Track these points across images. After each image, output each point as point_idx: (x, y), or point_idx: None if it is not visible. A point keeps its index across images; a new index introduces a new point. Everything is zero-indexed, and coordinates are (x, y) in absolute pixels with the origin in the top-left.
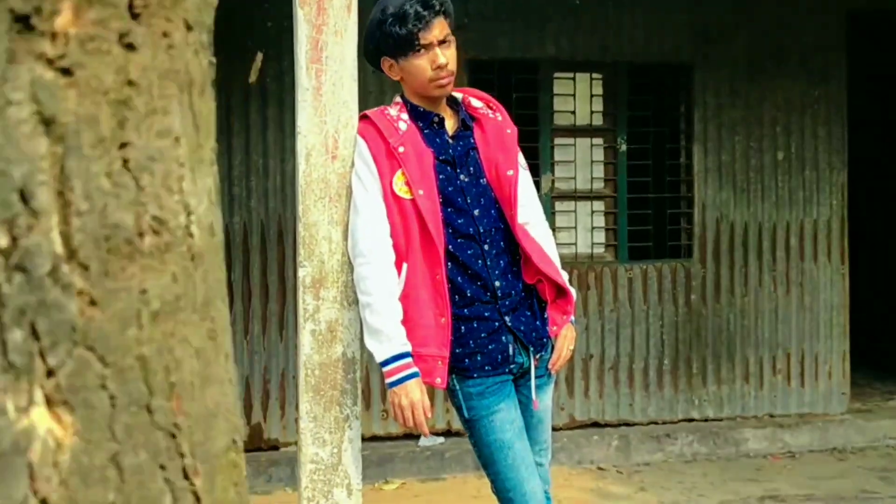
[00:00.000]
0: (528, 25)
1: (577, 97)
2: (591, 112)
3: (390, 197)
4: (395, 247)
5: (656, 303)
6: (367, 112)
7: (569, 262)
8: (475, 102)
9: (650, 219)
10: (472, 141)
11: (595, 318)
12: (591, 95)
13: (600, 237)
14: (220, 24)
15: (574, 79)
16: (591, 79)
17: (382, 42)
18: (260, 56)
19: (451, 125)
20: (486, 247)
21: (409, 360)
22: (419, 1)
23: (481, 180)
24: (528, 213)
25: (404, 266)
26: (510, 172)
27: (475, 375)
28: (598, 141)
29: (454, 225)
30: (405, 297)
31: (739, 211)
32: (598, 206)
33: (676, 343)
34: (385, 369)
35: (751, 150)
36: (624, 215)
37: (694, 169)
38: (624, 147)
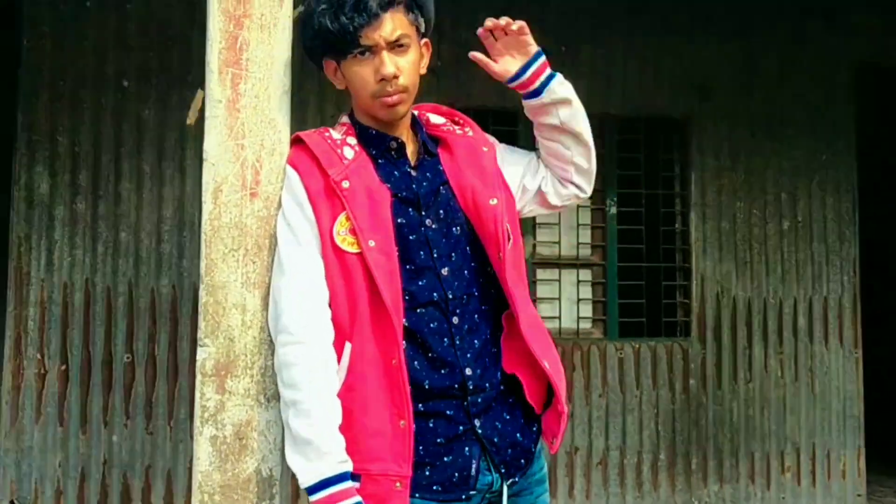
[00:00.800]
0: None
1: None
2: None
3: (329, 250)
4: (336, 320)
5: (650, 388)
6: (301, 134)
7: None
8: (435, 119)
9: (643, 291)
10: (441, 170)
11: (581, 404)
12: None
13: (587, 310)
14: (154, 58)
15: None
16: None
17: (317, 41)
18: (200, 94)
19: (412, 152)
20: (455, 319)
21: (349, 484)
22: None
23: (454, 228)
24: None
25: (347, 347)
26: (493, 201)
27: (416, 495)
28: (586, 202)
29: (412, 289)
30: (347, 391)
31: (742, 285)
32: (585, 275)
33: (673, 435)
34: (314, 498)
35: (753, 217)
36: (614, 286)
37: (691, 237)
38: (614, 210)
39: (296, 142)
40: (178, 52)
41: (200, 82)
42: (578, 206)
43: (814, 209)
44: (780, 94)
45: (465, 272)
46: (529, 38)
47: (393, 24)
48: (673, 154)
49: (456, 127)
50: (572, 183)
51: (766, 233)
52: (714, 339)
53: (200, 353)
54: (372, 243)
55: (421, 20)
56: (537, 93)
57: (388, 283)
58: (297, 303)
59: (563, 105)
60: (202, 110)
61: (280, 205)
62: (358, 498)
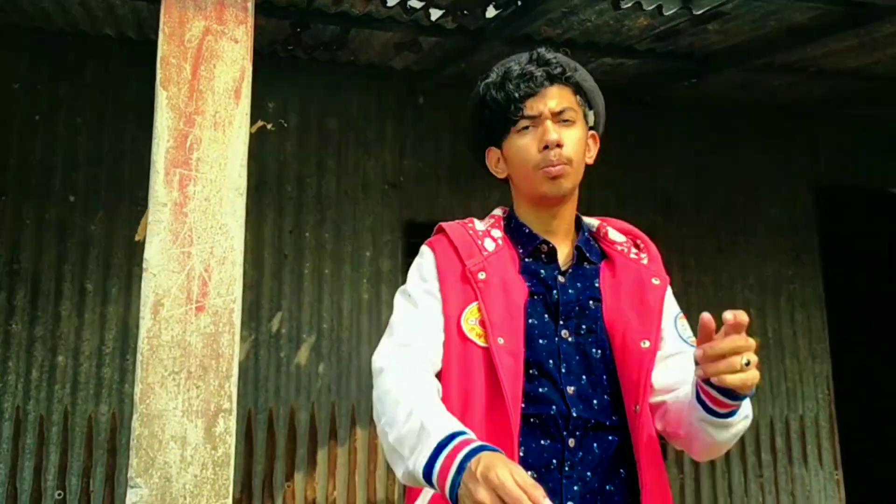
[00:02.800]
0: (469, 186)
1: None
2: None
3: (454, 334)
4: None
5: None
6: (444, 224)
7: None
8: (615, 235)
9: None
10: (596, 286)
11: None
12: None
13: None
14: (103, 171)
15: None
16: None
17: (482, 122)
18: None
19: (565, 257)
20: (571, 442)
21: (468, 436)
22: (531, 59)
23: (594, 350)
24: (676, 415)
25: None
26: (644, 343)
27: None
28: None
29: (530, 393)
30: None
31: None
32: None
33: None
34: (437, 466)
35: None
36: None
37: None
38: None
39: (438, 231)
40: (129, 165)
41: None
42: None
43: (783, 326)
44: (745, 211)
45: (596, 401)
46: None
47: (559, 97)
48: None
49: (634, 250)
50: (677, 443)
51: None
52: (691, 464)
53: (130, 496)
54: (501, 341)
55: (589, 111)
56: (727, 415)
57: (511, 382)
58: (397, 353)
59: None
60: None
61: (405, 283)
62: (481, 443)
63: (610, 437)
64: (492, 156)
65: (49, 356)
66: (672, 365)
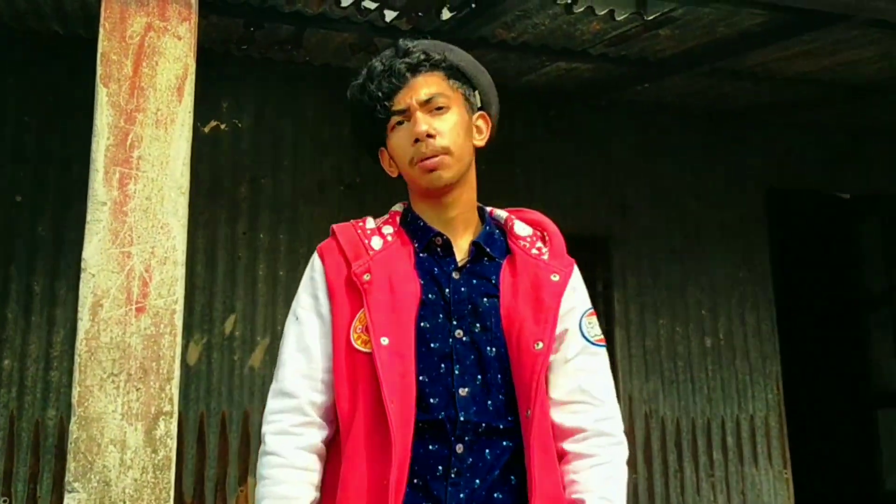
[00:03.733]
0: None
1: None
2: None
3: (343, 350)
4: (342, 427)
5: None
6: (335, 226)
7: None
8: (520, 228)
9: None
10: (494, 283)
11: None
12: None
13: None
14: (52, 170)
15: None
16: None
17: (360, 126)
18: None
19: (462, 251)
20: (459, 448)
21: None
22: (394, 52)
23: (489, 348)
24: (598, 420)
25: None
26: (538, 346)
27: None
28: None
29: (420, 399)
30: None
31: (669, 405)
32: None
33: None
34: None
35: (676, 335)
36: None
37: (616, 355)
38: None
39: (331, 234)
40: (78, 166)
41: None
42: None
43: (734, 327)
44: (696, 213)
45: (490, 402)
46: None
47: (427, 86)
48: (595, 271)
49: (538, 244)
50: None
51: (690, 351)
52: (644, 463)
53: (68, 500)
54: (385, 341)
55: (471, 91)
56: None
57: (397, 388)
58: (279, 409)
59: None
60: None
61: (297, 296)
62: None
63: (504, 443)
64: (384, 157)
65: None
66: (571, 370)
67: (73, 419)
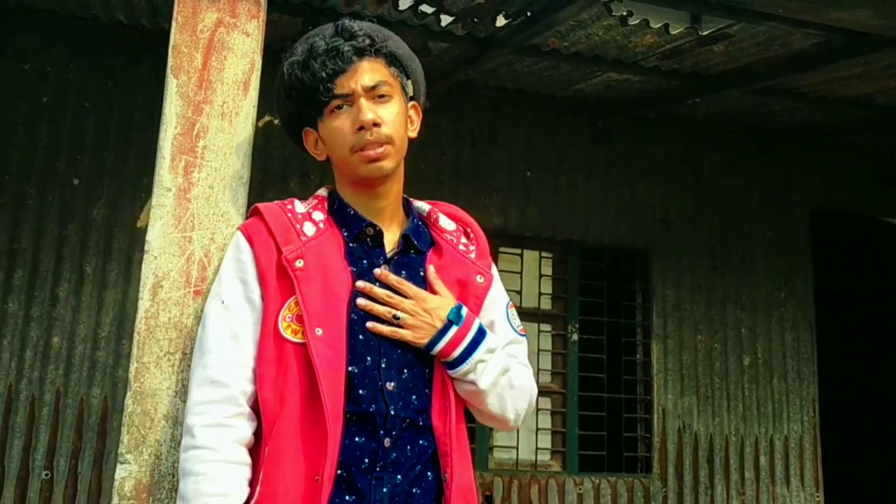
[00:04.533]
0: (475, 191)
1: (524, 276)
2: (540, 294)
3: (270, 338)
4: (262, 418)
5: None
6: (259, 205)
7: (508, 471)
8: (445, 222)
9: (604, 423)
10: (421, 274)
11: None
12: (540, 275)
13: (546, 441)
14: (109, 156)
15: (522, 255)
16: (541, 257)
17: (292, 103)
18: None
19: (391, 243)
20: (386, 442)
21: None
22: (337, 32)
23: None
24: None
25: (264, 452)
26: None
27: None
28: (546, 327)
29: (350, 391)
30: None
31: (703, 421)
32: (545, 403)
33: None
34: None
35: (714, 351)
36: (574, 416)
37: (653, 368)
38: (576, 336)
39: (253, 213)
40: (135, 152)
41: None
42: (539, 331)
43: (773, 346)
44: (740, 231)
45: (414, 396)
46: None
47: (371, 71)
48: (635, 283)
49: (463, 240)
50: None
51: (728, 368)
52: (675, 477)
53: (119, 471)
54: (319, 332)
55: (406, 81)
56: (454, 364)
57: (331, 380)
58: (209, 400)
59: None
60: None
61: (218, 278)
62: None
63: (421, 441)
64: (309, 137)
65: (44, 337)
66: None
67: (128, 394)
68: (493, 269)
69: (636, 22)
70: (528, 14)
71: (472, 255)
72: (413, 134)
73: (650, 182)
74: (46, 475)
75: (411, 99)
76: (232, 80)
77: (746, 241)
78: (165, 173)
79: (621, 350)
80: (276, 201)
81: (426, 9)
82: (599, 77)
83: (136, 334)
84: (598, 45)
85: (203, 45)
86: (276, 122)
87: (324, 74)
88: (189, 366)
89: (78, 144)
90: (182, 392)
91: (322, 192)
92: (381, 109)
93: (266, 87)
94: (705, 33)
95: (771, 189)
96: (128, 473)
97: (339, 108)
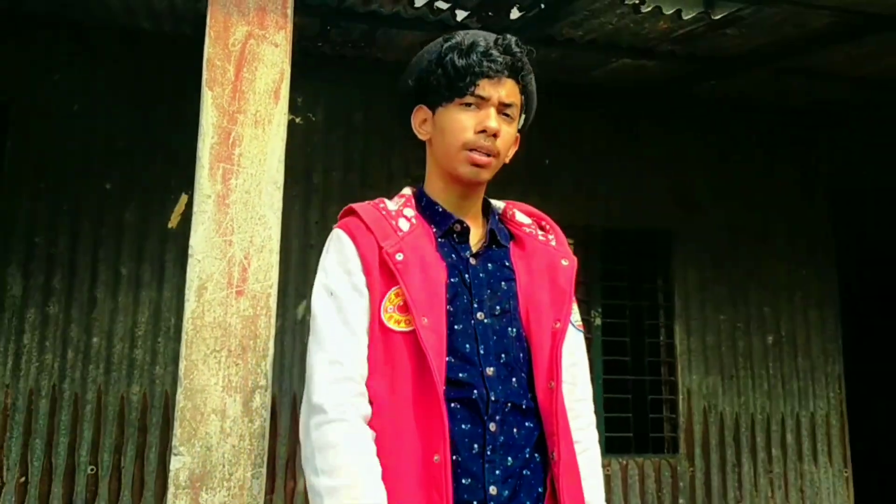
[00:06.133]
0: (495, 180)
1: None
2: None
3: (377, 328)
4: (374, 405)
5: None
6: (353, 205)
7: None
8: (521, 217)
9: (629, 405)
10: (508, 266)
11: None
12: None
13: None
14: (139, 161)
15: None
16: None
17: (430, 78)
18: (184, 198)
19: (476, 238)
20: (492, 426)
21: None
22: (499, 42)
23: (510, 329)
24: (576, 400)
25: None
26: (557, 324)
27: None
28: None
29: (452, 379)
30: None
31: (729, 400)
32: None
33: None
34: None
35: (738, 331)
36: (600, 399)
37: (676, 350)
38: (599, 320)
39: (347, 213)
40: (163, 156)
41: (183, 187)
42: None
43: (797, 324)
44: (760, 210)
45: (514, 380)
46: None
47: (510, 91)
48: (656, 266)
49: (540, 232)
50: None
51: (751, 347)
52: (702, 457)
53: (174, 463)
54: (426, 321)
55: (523, 115)
56: None
57: (437, 363)
58: (333, 380)
59: None
60: (184, 214)
61: (322, 273)
62: None
63: (526, 423)
64: (420, 114)
65: (84, 337)
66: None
67: (179, 390)
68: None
69: (649, 9)
70: (542, 6)
71: (553, 244)
72: (507, 160)
73: (669, 165)
74: (91, 470)
75: (519, 130)
76: (263, 89)
77: (768, 220)
78: (205, 181)
79: (644, 333)
80: (366, 201)
81: (441, 5)
82: (615, 63)
83: (184, 334)
84: (612, 32)
85: (235, 57)
86: (297, 120)
87: (477, 70)
88: (234, 363)
89: (109, 150)
90: (228, 387)
91: (407, 191)
92: (504, 126)
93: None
94: (718, 17)
95: (791, 167)
96: (182, 465)
97: (468, 105)
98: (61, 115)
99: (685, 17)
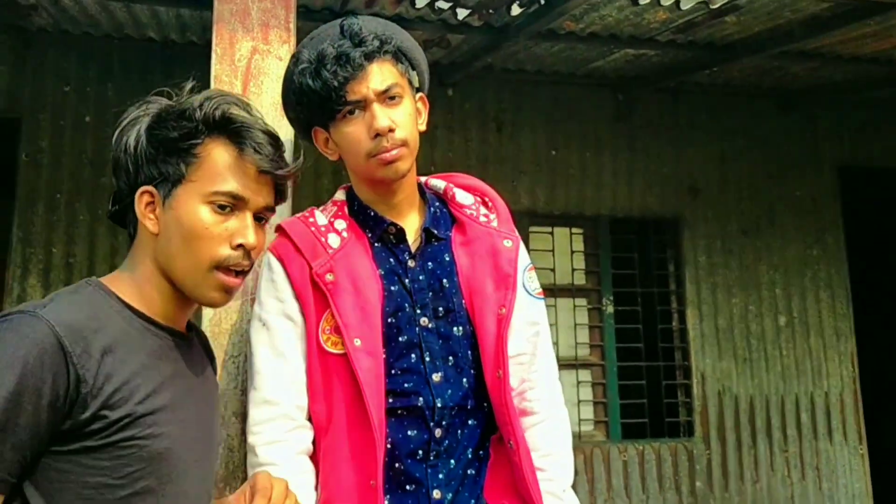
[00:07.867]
0: (502, 174)
1: (556, 253)
2: (573, 270)
3: (315, 351)
4: (316, 428)
5: (656, 491)
6: (283, 223)
7: None
8: (462, 197)
9: (644, 391)
10: (448, 260)
11: None
12: (572, 251)
13: (588, 412)
14: None
15: (552, 233)
16: (571, 233)
17: (301, 109)
18: None
19: (413, 234)
20: (437, 432)
21: None
22: (344, 35)
23: (455, 328)
24: (534, 371)
25: (318, 460)
26: (502, 310)
27: None
28: (582, 302)
29: (396, 390)
30: None
31: (743, 383)
32: (585, 375)
33: None
34: None
35: (749, 314)
36: (614, 387)
37: (689, 335)
38: (611, 308)
39: (278, 231)
40: None
41: None
42: (575, 306)
43: (808, 305)
44: (768, 193)
45: (464, 379)
46: None
47: (381, 74)
48: (666, 253)
49: (483, 210)
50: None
51: (763, 329)
52: (718, 439)
53: None
54: (358, 342)
55: (412, 73)
56: None
57: (373, 389)
58: (265, 419)
59: None
60: None
61: (256, 302)
62: None
63: (469, 422)
64: (319, 136)
65: None
66: (517, 324)
67: None
68: (518, 236)
69: (647, 1)
70: (542, 1)
71: (495, 224)
72: (422, 127)
73: (675, 151)
74: None
75: (418, 90)
76: (269, 102)
77: (775, 202)
78: None
79: (657, 319)
80: (297, 216)
81: (442, 4)
82: (617, 54)
83: None
84: (613, 24)
85: (241, 72)
86: None
87: (335, 83)
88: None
89: None
90: (247, 391)
91: (339, 195)
92: (394, 112)
93: None
94: (716, 6)
95: (797, 149)
96: None
97: (350, 112)
98: (75, 127)
99: (684, 7)
